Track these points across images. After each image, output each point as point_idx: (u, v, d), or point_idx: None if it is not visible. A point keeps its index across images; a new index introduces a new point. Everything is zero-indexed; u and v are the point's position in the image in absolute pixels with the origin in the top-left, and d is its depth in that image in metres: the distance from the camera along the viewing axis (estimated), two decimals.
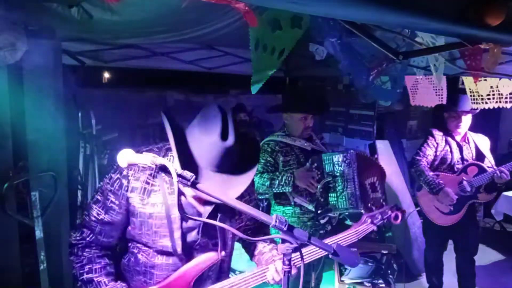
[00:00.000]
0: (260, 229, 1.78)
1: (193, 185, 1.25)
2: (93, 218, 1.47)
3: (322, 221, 2.72)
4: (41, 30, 2.48)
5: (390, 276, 3.47)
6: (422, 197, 3.57)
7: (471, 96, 3.50)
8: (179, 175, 1.24)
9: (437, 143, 3.46)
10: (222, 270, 1.64)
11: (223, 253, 1.54)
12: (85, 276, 1.45)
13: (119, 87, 5.40)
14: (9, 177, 2.43)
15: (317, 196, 2.62)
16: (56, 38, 2.58)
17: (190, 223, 1.48)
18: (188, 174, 1.26)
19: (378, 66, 2.22)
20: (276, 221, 1.23)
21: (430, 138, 3.49)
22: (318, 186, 2.60)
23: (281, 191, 2.70)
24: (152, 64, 4.11)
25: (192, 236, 1.50)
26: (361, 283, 3.45)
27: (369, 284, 3.43)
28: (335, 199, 2.58)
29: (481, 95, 3.59)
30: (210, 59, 4.34)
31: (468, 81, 3.53)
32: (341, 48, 2.06)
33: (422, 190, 3.54)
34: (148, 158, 1.28)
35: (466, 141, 3.48)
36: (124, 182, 1.43)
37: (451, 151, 3.43)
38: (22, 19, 2.17)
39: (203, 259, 1.51)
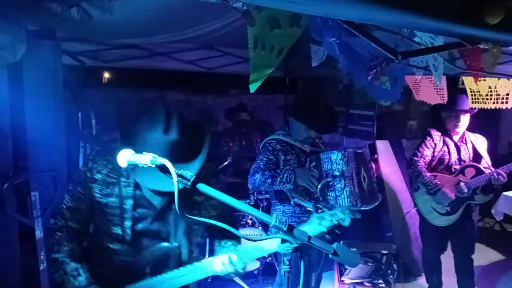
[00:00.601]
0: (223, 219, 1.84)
1: (193, 184, 1.26)
2: (64, 206, 1.65)
3: None
4: (41, 30, 2.48)
5: (390, 276, 3.48)
6: (419, 197, 3.56)
7: (472, 96, 3.49)
8: (179, 175, 1.24)
9: (435, 144, 3.45)
10: (181, 261, 1.71)
11: (176, 244, 1.67)
12: (53, 255, 1.63)
13: (119, 87, 5.39)
14: (9, 177, 2.43)
15: (316, 196, 2.63)
16: (56, 38, 2.58)
17: (142, 212, 1.63)
18: (188, 174, 1.26)
19: (377, 66, 2.22)
20: (276, 221, 1.24)
21: (428, 138, 3.48)
22: (318, 186, 2.60)
23: (282, 188, 2.71)
24: (152, 64, 4.12)
25: (142, 225, 1.64)
26: (361, 283, 3.46)
27: (369, 284, 3.44)
28: (334, 198, 2.58)
29: (482, 95, 3.59)
30: (210, 59, 4.34)
31: (468, 81, 3.53)
32: (339, 48, 2.06)
33: (420, 191, 3.55)
34: (148, 158, 1.29)
35: (464, 141, 3.47)
36: (88, 174, 1.61)
37: (448, 152, 3.42)
38: (22, 19, 2.17)
39: (152, 249, 1.65)
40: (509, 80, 3.04)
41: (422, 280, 4.16)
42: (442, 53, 1.99)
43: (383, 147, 4.72)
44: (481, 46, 1.39)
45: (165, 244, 1.66)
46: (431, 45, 1.71)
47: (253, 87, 1.99)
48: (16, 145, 2.47)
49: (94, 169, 1.61)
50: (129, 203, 1.60)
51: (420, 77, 3.01)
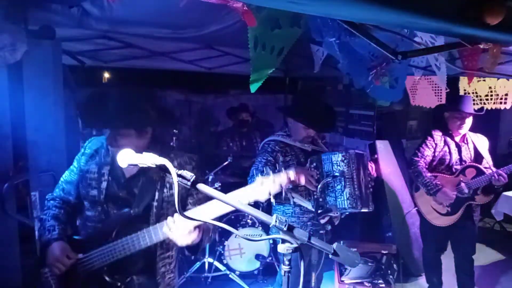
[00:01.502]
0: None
1: (193, 184, 1.26)
2: (62, 179, 2.00)
3: (322, 221, 2.72)
4: (41, 30, 2.48)
5: (390, 276, 3.48)
6: (420, 197, 3.55)
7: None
8: (179, 175, 1.24)
9: (436, 144, 3.43)
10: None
11: (135, 209, 1.83)
12: (40, 216, 1.98)
13: (119, 87, 5.38)
14: (9, 177, 2.43)
15: (316, 196, 2.62)
16: (56, 38, 2.58)
17: (115, 180, 1.88)
18: (188, 174, 1.26)
19: (377, 66, 2.22)
20: (276, 221, 1.23)
21: (429, 138, 3.46)
22: (318, 186, 2.60)
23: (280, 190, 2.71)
24: (152, 64, 4.12)
25: (115, 188, 1.87)
26: (361, 283, 3.46)
27: (369, 284, 3.43)
28: (334, 199, 2.58)
29: (480, 96, 3.59)
30: (210, 59, 4.34)
31: (463, 82, 3.54)
32: (339, 48, 2.06)
33: (420, 191, 3.54)
34: (148, 158, 1.29)
35: (465, 141, 3.45)
36: (82, 150, 1.97)
37: (449, 152, 3.41)
38: (22, 19, 2.17)
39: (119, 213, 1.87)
40: (508, 80, 3.05)
41: (422, 280, 4.16)
42: (443, 53, 1.99)
43: (383, 147, 4.72)
44: (481, 46, 1.39)
45: (129, 210, 1.84)
46: (432, 45, 1.71)
47: (253, 87, 1.99)
48: (16, 145, 2.47)
49: (88, 148, 1.95)
50: (106, 169, 1.89)
51: (418, 77, 3.01)
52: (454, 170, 3.41)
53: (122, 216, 1.84)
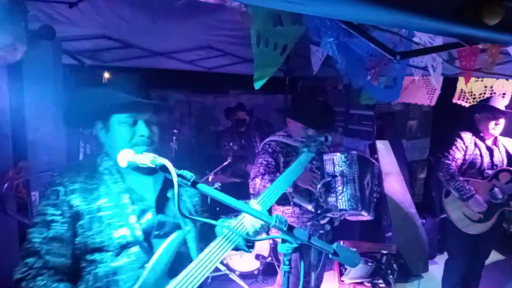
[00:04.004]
0: None
1: (193, 184, 1.26)
2: (36, 241, 1.33)
3: (322, 222, 2.72)
4: (41, 30, 2.48)
5: (390, 276, 3.48)
6: (450, 203, 3.35)
7: (461, 96, 3.48)
8: (179, 175, 1.24)
9: (466, 146, 3.26)
10: (188, 245, 1.52)
11: (187, 227, 1.47)
12: None
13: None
14: (9, 177, 2.43)
15: (316, 196, 2.62)
16: (56, 38, 2.58)
17: (141, 206, 1.44)
18: (188, 174, 1.26)
19: (376, 66, 2.22)
20: (276, 221, 1.24)
21: (459, 140, 3.28)
22: (318, 186, 2.60)
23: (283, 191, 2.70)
24: (152, 64, 4.12)
25: (148, 217, 1.44)
26: (361, 283, 3.46)
27: (369, 284, 3.44)
28: (335, 199, 2.57)
29: (474, 95, 3.56)
30: (210, 59, 4.35)
31: (461, 82, 3.53)
32: (338, 48, 2.06)
33: (450, 196, 3.34)
34: (148, 158, 1.29)
35: (497, 144, 3.29)
36: (61, 189, 1.38)
37: (480, 155, 3.24)
38: (22, 19, 2.17)
39: (170, 241, 1.40)
40: (507, 80, 3.05)
41: (422, 280, 4.16)
42: (442, 53, 2.00)
43: (383, 147, 4.72)
44: (480, 46, 1.39)
45: (178, 232, 1.43)
46: (430, 45, 1.71)
47: (257, 85, 1.97)
48: (16, 145, 2.47)
49: (67, 181, 1.40)
50: (126, 198, 1.42)
51: (417, 78, 3.01)
52: (485, 174, 3.24)
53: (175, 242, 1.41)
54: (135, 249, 1.39)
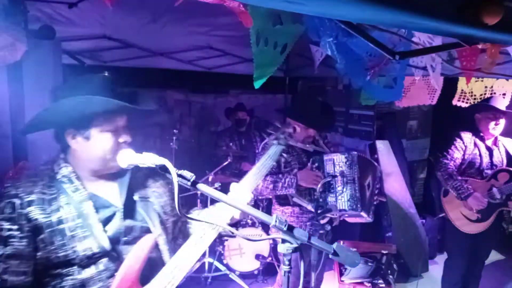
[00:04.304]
0: None
1: (193, 184, 1.26)
2: None
3: (321, 221, 2.72)
4: (41, 30, 2.48)
5: (390, 276, 3.47)
6: (449, 203, 3.35)
7: (462, 96, 3.47)
8: (179, 175, 1.24)
9: (465, 146, 3.25)
10: (160, 248, 1.47)
11: (157, 232, 1.43)
12: None
13: (119, 87, 5.38)
14: (9, 177, 2.43)
15: (316, 196, 2.62)
16: (56, 38, 2.58)
17: (106, 212, 1.36)
18: (188, 174, 1.26)
19: (375, 66, 2.22)
20: (276, 221, 1.24)
21: (458, 140, 3.27)
22: (318, 186, 2.60)
23: (285, 193, 2.71)
24: (152, 64, 4.12)
25: (115, 223, 1.37)
26: (361, 283, 3.45)
27: (369, 284, 3.43)
28: (335, 199, 2.58)
29: (474, 95, 3.55)
30: (210, 59, 4.35)
31: (462, 82, 3.53)
32: (337, 48, 2.06)
33: (449, 196, 3.35)
34: (148, 158, 1.28)
35: (496, 145, 3.28)
36: (16, 201, 1.27)
37: (480, 155, 3.23)
38: (22, 19, 2.17)
39: (140, 246, 1.35)
40: (507, 80, 3.05)
41: (422, 280, 4.16)
42: (441, 53, 2.00)
43: (383, 147, 4.72)
44: (480, 46, 1.39)
45: (148, 236, 1.40)
46: (429, 45, 1.71)
47: (257, 84, 1.96)
48: (16, 145, 2.47)
49: (22, 192, 1.28)
50: (87, 207, 1.32)
51: (418, 78, 3.01)
52: (484, 174, 3.24)
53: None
54: (103, 258, 1.32)
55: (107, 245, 1.32)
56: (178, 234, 1.62)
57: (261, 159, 1.76)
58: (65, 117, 1.33)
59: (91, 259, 1.30)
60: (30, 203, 1.27)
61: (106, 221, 1.35)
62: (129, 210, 1.41)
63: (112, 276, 1.31)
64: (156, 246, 1.42)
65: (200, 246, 1.35)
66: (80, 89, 1.31)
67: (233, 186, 1.51)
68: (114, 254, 1.33)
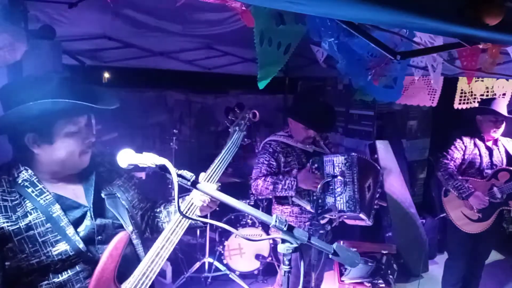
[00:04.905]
0: None
1: (193, 184, 1.26)
2: None
3: (321, 222, 2.72)
4: (41, 30, 2.48)
5: (390, 276, 3.47)
6: (449, 202, 3.36)
7: (462, 97, 3.47)
8: (179, 175, 1.24)
9: (465, 146, 3.27)
10: (135, 247, 1.47)
11: (130, 227, 1.42)
12: None
13: (119, 87, 5.39)
14: None
15: (316, 197, 2.62)
16: (56, 38, 2.58)
17: (76, 213, 1.34)
18: (188, 174, 1.26)
19: (376, 66, 2.22)
20: (276, 221, 1.23)
21: (458, 140, 3.29)
22: (318, 186, 2.60)
23: (285, 194, 2.71)
24: (152, 64, 4.12)
25: (86, 224, 1.34)
26: (361, 283, 3.45)
27: (369, 284, 3.43)
28: (334, 200, 2.57)
29: (474, 95, 3.55)
30: (210, 59, 4.35)
31: (462, 82, 3.52)
32: (338, 48, 2.06)
33: (449, 196, 3.35)
34: (148, 158, 1.28)
35: (497, 145, 3.30)
36: None
37: (480, 155, 3.24)
38: (22, 19, 2.17)
39: (114, 245, 1.34)
40: (507, 80, 3.05)
41: (422, 280, 4.16)
42: (442, 53, 1.99)
43: (383, 147, 4.72)
44: (480, 46, 1.39)
45: (122, 234, 1.38)
46: (431, 45, 1.71)
47: (261, 84, 1.95)
48: None
49: None
50: (56, 210, 1.28)
51: (417, 78, 3.01)
52: (485, 174, 3.25)
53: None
54: (78, 260, 1.30)
55: (81, 246, 1.30)
56: (145, 227, 1.63)
57: (225, 146, 1.79)
58: (24, 122, 1.24)
59: (66, 262, 1.27)
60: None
61: (77, 222, 1.33)
62: (98, 208, 1.39)
63: (89, 276, 1.29)
64: (130, 243, 1.42)
65: (173, 239, 1.37)
66: (36, 91, 1.23)
67: (202, 175, 1.53)
68: (89, 255, 1.32)
